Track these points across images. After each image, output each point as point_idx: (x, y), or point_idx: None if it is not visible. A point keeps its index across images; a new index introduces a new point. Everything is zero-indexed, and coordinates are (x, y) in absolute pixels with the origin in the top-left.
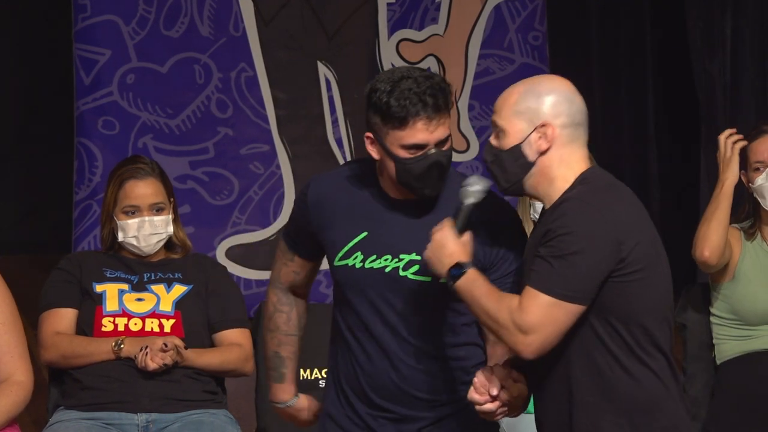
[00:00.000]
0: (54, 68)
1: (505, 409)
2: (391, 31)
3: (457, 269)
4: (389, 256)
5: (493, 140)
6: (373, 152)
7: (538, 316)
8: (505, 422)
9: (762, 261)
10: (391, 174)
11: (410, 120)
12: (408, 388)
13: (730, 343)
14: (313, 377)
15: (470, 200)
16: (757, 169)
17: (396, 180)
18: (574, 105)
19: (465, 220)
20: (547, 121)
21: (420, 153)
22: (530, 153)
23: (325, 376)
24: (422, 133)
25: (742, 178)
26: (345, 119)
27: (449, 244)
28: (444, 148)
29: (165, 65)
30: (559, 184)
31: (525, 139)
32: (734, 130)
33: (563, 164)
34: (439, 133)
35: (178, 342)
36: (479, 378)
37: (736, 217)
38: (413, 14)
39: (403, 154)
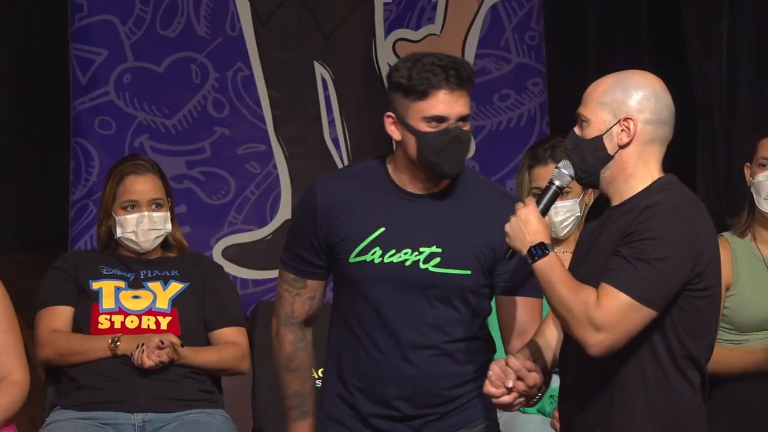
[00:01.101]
0: (50, 68)
1: (522, 399)
2: (388, 31)
3: (539, 249)
4: (409, 250)
5: (576, 129)
6: (394, 133)
7: (615, 316)
8: (502, 421)
9: (753, 268)
10: (411, 153)
11: (432, 91)
12: (424, 382)
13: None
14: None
15: (558, 182)
16: (763, 165)
17: (416, 157)
18: (660, 102)
19: (549, 202)
20: (631, 115)
21: (441, 126)
22: (610, 145)
23: (321, 375)
24: (444, 104)
25: (745, 171)
26: (341, 119)
27: (534, 222)
28: (465, 127)
29: (161, 65)
30: (634, 182)
31: (607, 130)
32: None
33: (641, 162)
34: (460, 107)
35: (175, 339)
36: (494, 371)
37: (735, 221)
38: (410, 14)
39: (425, 127)
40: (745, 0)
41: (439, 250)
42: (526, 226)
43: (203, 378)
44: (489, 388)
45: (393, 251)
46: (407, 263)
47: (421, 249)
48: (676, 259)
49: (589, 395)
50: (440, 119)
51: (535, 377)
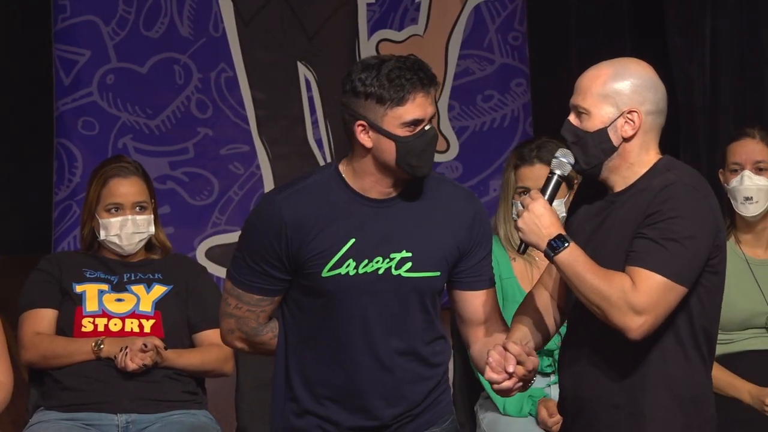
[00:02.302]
0: (33, 69)
1: (521, 384)
2: (371, 32)
3: (559, 241)
4: (380, 258)
5: (574, 120)
6: (367, 141)
7: (653, 297)
8: (485, 422)
9: (737, 268)
10: (387, 158)
11: (410, 96)
12: (403, 389)
13: None
14: None
15: (559, 171)
16: (735, 170)
17: (395, 161)
18: (659, 92)
19: (553, 192)
20: (634, 107)
21: (417, 129)
22: (615, 138)
23: None
24: (420, 108)
25: (720, 177)
26: (325, 120)
27: (548, 215)
28: (433, 124)
29: (145, 66)
30: (636, 168)
31: (611, 123)
32: None
33: (643, 150)
34: (432, 107)
35: (158, 342)
36: (494, 357)
37: None
38: (393, 14)
39: (403, 132)
40: (728, 0)
41: (409, 254)
42: (540, 219)
43: (187, 379)
44: (490, 374)
45: (366, 261)
46: (380, 271)
47: (392, 255)
48: (701, 235)
49: (606, 377)
50: (417, 122)
51: (534, 361)
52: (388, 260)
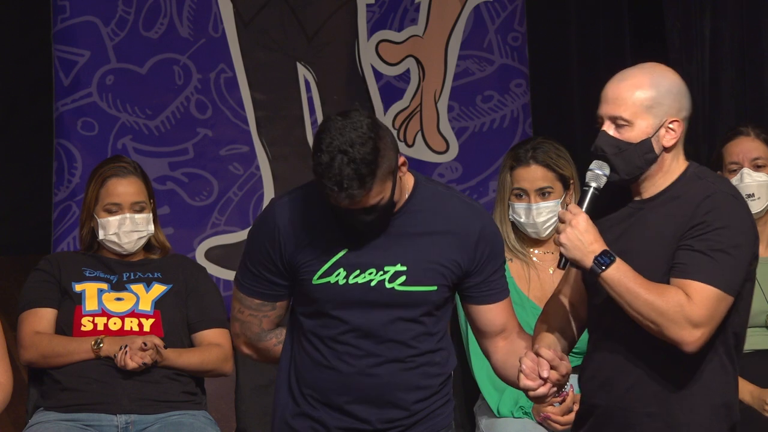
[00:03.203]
0: (33, 69)
1: (555, 389)
2: (371, 32)
3: (606, 257)
4: (373, 270)
5: (612, 132)
6: None
7: (710, 310)
8: (483, 423)
9: None
10: None
11: (330, 198)
12: (391, 396)
13: None
14: None
15: (595, 184)
16: (733, 170)
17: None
18: (689, 98)
19: (591, 205)
20: (675, 116)
21: (347, 213)
22: (657, 147)
23: None
24: (344, 205)
25: None
26: None
27: (591, 231)
28: (377, 207)
29: (144, 66)
30: (669, 176)
31: (654, 133)
32: None
33: (676, 157)
34: (361, 205)
35: (158, 341)
36: (527, 364)
37: None
38: (392, 15)
39: (333, 205)
40: (727, 1)
41: (404, 268)
42: (584, 235)
43: (186, 379)
44: (526, 381)
45: (357, 272)
46: (372, 283)
47: (386, 268)
48: (746, 244)
49: (640, 386)
50: (342, 212)
51: (567, 365)
52: (381, 272)
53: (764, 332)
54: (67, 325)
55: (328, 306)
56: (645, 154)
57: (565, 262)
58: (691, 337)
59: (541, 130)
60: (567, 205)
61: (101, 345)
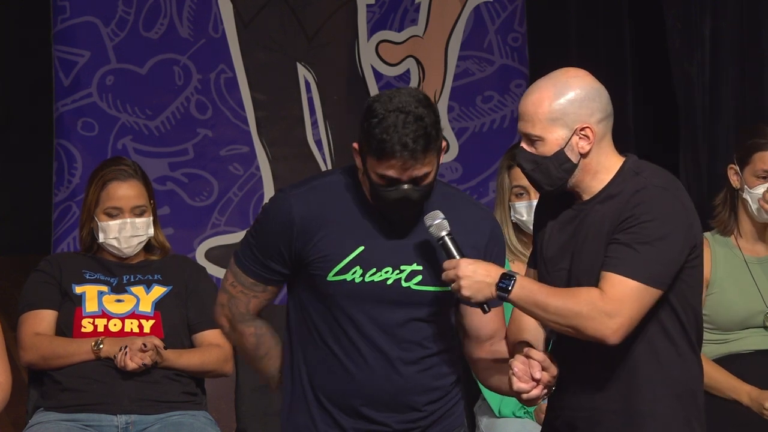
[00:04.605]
0: (33, 70)
1: (546, 391)
2: (371, 33)
3: (505, 281)
4: (389, 269)
5: (527, 147)
6: (357, 162)
7: (624, 301)
8: (483, 423)
9: (734, 267)
10: (366, 189)
11: (386, 158)
12: (405, 396)
13: (708, 346)
14: None
15: (444, 232)
16: (762, 177)
17: (369, 197)
18: (603, 98)
19: (457, 247)
20: (585, 122)
21: (392, 186)
22: (573, 156)
23: None
24: (395, 170)
25: (733, 177)
26: (324, 121)
27: (478, 268)
28: (422, 183)
29: (144, 66)
30: (601, 176)
31: (566, 144)
32: None
33: (602, 156)
34: (415, 172)
35: (158, 342)
36: (518, 366)
37: (717, 221)
38: (393, 15)
39: (377, 180)
40: (728, 1)
41: (420, 267)
42: (475, 276)
43: (186, 380)
44: (519, 384)
45: (374, 270)
46: (389, 282)
47: (402, 267)
48: (674, 236)
49: (600, 385)
50: (391, 180)
51: (555, 367)
52: (398, 271)
53: (763, 333)
54: (67, 327)
55: (342, 303)
56: (561, 165)
57: (486, 306)
58: (608, 329)
59: None
60: None
61: (101, 346)
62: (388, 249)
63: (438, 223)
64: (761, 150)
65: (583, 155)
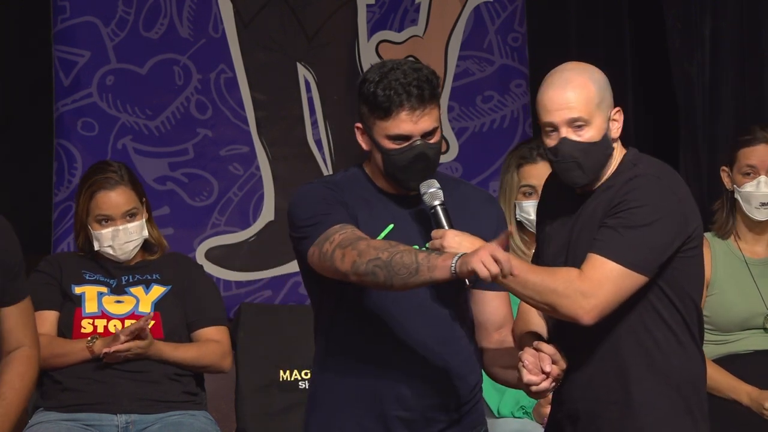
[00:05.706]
0: (33, 70)
1: (555, 384)
2: (371, 33)
3: None
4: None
5: (572, 136)
6: (363, 143)
7: (603, 283)
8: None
9: (735, 268)
10: (379, 165)
11: (394, 110)
12: (438, 383)
13: (708, 347)
14: (292, 378)
15: (437, 201)
16: (748, 174)
17: (383, 171)
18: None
19: (448, 218)
20: (615, 107)
21: (405, 144)
22: (612, 140)
23: (305, 377)
24: (406, 123)
25: (722, 175)
26: (324, 121)
27: (464, 240)
28: (431, 141)
29: (144, 66)
30: (612, 164)
31: (608, 128)
32: None
33: (619, 145)
34: (424, 124)
35: (140, 324)
36: (528, 359)
37: (716, 223)
38: (393, 15)
39: (389, 145)
40: (728, 1)
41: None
42: (460, 247)
43: (187, 379)
44: (529, 376)
45: None
46: None
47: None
48: (663, 223)
49: (600, 376)
50: (404, 138)
51: (564, 361)
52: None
53: (763, 333)
54: (67, 328)
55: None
56: (606, 150)
57: (468, 280)
58: (581, 309)
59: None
60: None
61: (95, 341)
62: (415, 227)
63: (432, 192)
64: (744, 146)
65: (614, 140)
